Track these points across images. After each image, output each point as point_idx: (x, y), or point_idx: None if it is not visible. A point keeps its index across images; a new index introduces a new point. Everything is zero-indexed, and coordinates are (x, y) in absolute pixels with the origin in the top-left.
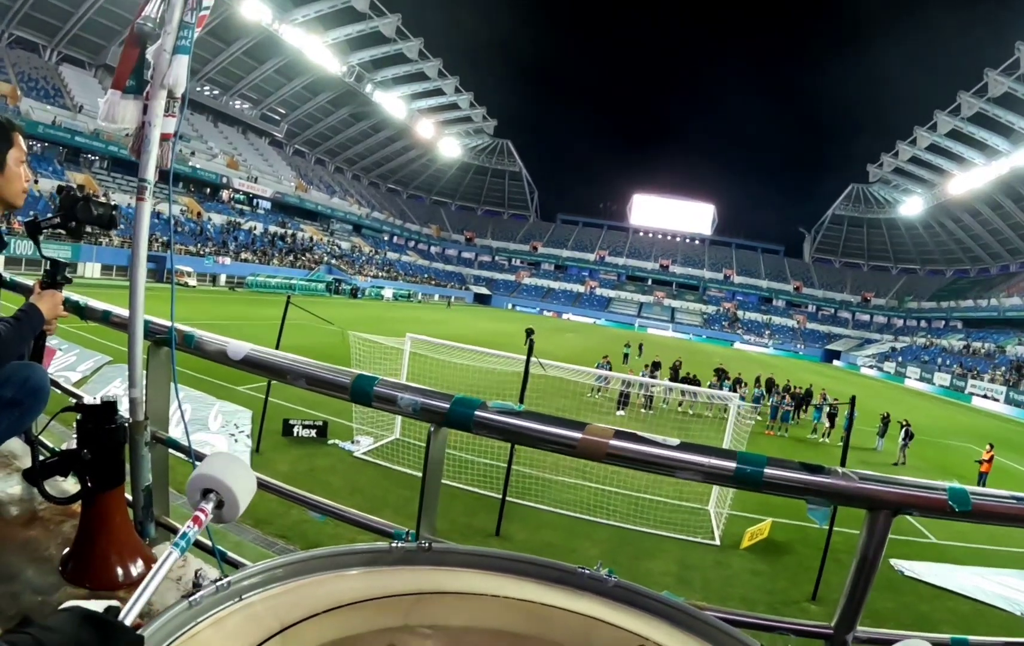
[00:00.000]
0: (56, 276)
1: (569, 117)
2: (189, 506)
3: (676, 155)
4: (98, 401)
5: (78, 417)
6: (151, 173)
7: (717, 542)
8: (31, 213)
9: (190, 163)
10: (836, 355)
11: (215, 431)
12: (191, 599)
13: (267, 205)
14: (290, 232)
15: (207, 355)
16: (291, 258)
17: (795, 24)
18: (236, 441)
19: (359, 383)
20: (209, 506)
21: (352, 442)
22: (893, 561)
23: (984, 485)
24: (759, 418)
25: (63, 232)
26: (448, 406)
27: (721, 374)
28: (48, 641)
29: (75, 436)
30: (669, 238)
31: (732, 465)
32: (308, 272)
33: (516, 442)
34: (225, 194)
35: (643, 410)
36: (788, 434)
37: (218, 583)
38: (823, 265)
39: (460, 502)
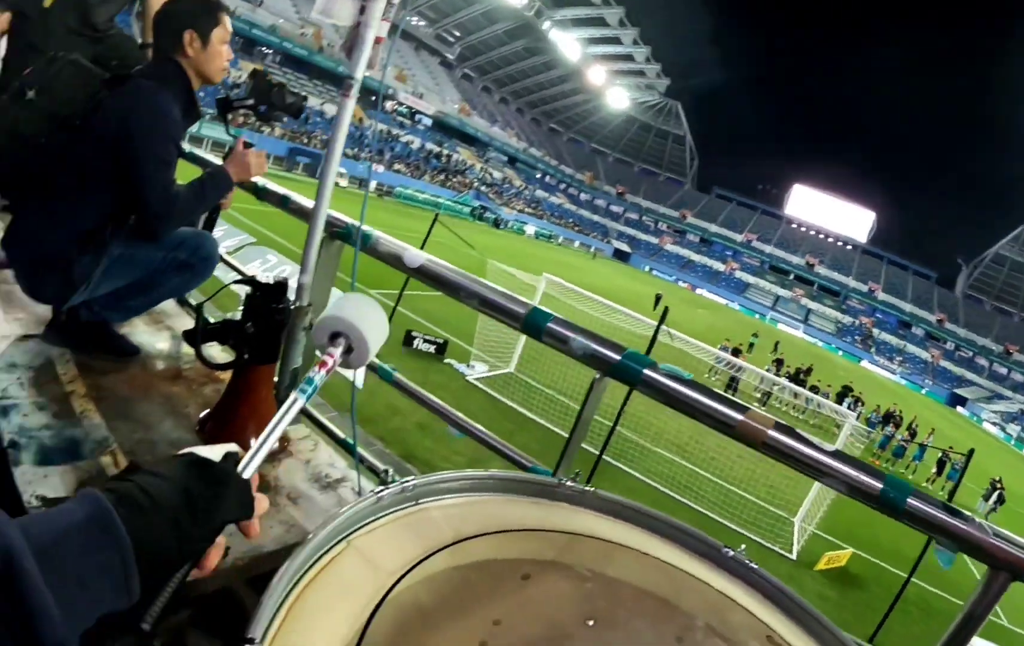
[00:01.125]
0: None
1: (744, 92)
2: (323, 407)
3: (844, 152)
4: (271, 280)
5: (248, 291)
6: (360, 71)
7: (793, 556)
8: (225, 94)
9: (377, 74)
10: (962, 401)
11: None
12: (379, 494)
13: (428, 122)
14: (446, 152)
15: (382, 257)
16: (442, 177)
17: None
18: None
19: (533, 316)
20: (337, 351)
21: (468, 365)
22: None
23: None
24: (868, 442)
25: (243, 118)
26: (619, 358)
27: (847, 391)
28: (153, 488)
29: (230, 312)
30: (821, 237)
31: (879, 485)
32: (456, 194)
33: (676, 408)
34: (389, 105)
35: (756, 405)
36: (893, 468)
37: (404, 484)
38: (973, 304)
39: (557, 446)
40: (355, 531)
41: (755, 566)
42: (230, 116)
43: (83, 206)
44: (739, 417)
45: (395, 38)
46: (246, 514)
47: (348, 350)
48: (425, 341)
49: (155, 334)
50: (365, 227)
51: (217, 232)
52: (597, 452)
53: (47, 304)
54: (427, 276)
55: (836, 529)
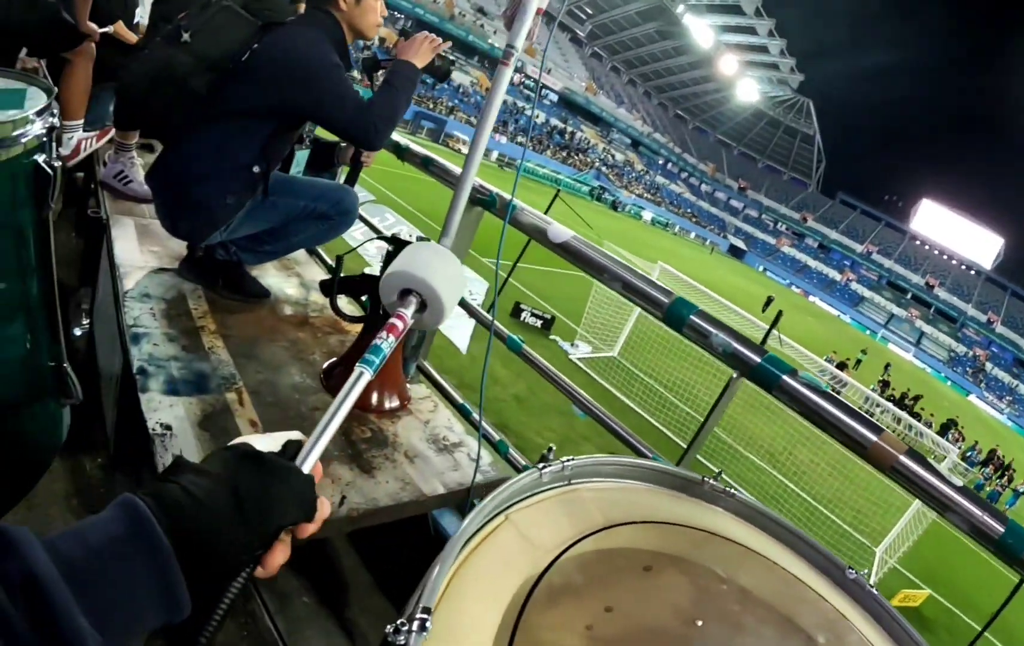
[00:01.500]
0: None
1: (881, 98)
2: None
3: (979, 170)
4: (414, 239)
5: (389, 248)
6: (521, 41)
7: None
8: (372, 54)
9: (489, 41)
10: None
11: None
12: (543, 471)
13: (554, 97)
14: (569, 129)
15: (525, 229)
16: (564, 154)
17: None
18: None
19: (676, 307)
20: (409, 310)
21: (572, 344)
22: None
23: None
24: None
25: (360, 75)
26: (759, 360)
27: (951, 425)
28: (198, 490)
29: (364, 270)
30: (944, 257)
31: (1001, 528)
32: (576, 172)
33: (810, 420)
34: (516, 77)
35: None
36: None
37: (565, 462)
38: None
39: (650, 436)
40: (514, 505)
41: (875, 592)
42: (377, 75)
43: (232, 149)
44: (873, 438)
45: (553, 27)
46: (306, 516)
47: (421, 308)
48: (533, 315)
49: (286, 280)
50: (508, 196)
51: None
52: (683, 444)
53: (187, 241)
54: (570, 253)
55: (917, 567)
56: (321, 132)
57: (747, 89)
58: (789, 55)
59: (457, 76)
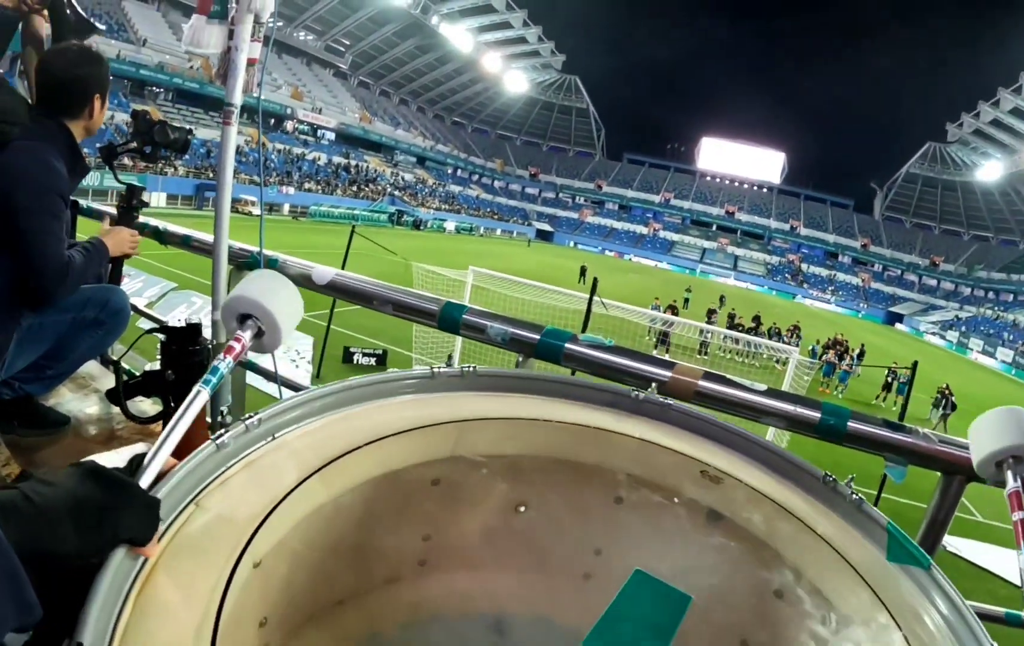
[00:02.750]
0: (132, 201)
1: (640, 55)
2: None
3: (748, 99)
4: (183, 323)
5: (162, 339)
6: (237, 97)
7: None
8: (107, 141)
9: (254, 95)
10: (899, 318)
11: (277, 356)
12: (218, 441)
13: (331, 136)
14: (354, 163)
15: (292, 279)
16: (354, 189)
17: None
18: (297, 366)
19: (448, 310)
20: (247, 334)
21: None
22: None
23: None
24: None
25: (130, 160)
26: (539, 337)
27: (795, 330)
28: (40, 497)
29: (151, 361)
30: (736, 184)
31: (817, 415)
32: (371, 203)
33: (604, 376)
34: (289, 125)
35: (699, 354)
36: (843, 395)
37: (247, 421)
38: (893, 224)
39: None
40: (203, 491)
41: (672, 401)
42: (116, 161)
43: None
44: (668, 374)
45: (267, 54)
46: (144, 531)
47: (259, 333)
48: (364, 354)
49: (83, 399)
50: (270, 252)
51: (137, 283)
52: None
53: None
54: (339, 290)
55: (802, 450)
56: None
57: (515, 80)
58: (547, 39)
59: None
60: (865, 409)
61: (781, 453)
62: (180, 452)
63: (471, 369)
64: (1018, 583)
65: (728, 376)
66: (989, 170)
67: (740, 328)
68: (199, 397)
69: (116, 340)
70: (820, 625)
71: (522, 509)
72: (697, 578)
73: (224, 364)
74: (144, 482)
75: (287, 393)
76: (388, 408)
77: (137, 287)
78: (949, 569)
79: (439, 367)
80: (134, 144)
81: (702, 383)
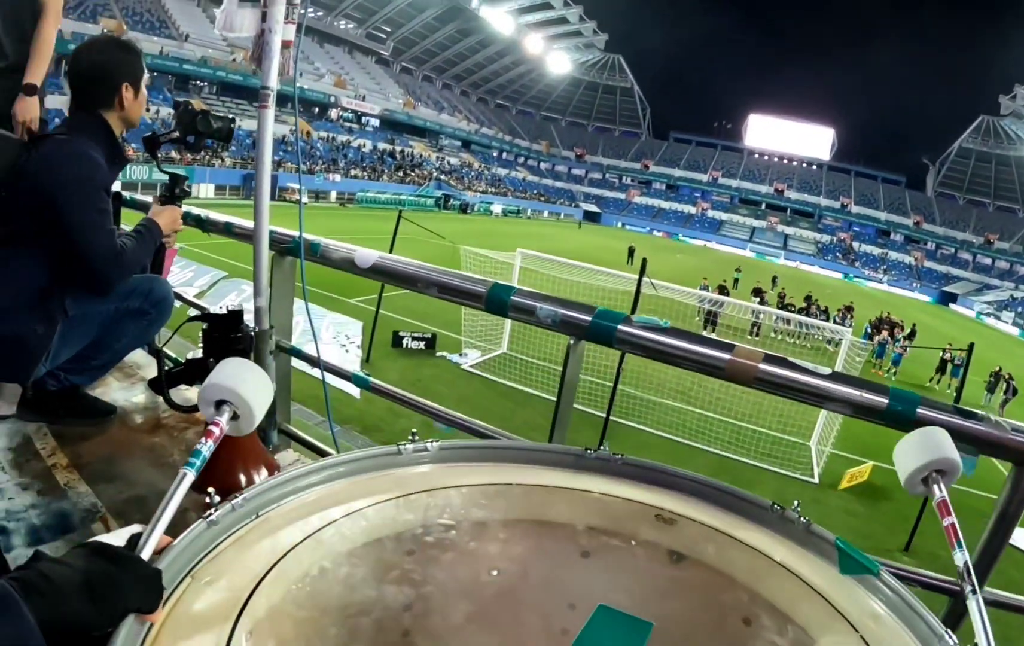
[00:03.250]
0: (175, 189)
1: (684, 31)
2: (307, 416)
3: (795, 74)
4: (224, 310)
5: (204, 327)
6: (273, 80)
7: (815, 480)
8: (150, 131)
9: (299, 85)
10: (953, 298)
11: (326, 341)
12: (209, 519)
13: (376, 122)
14: (399, 148)
15: (333, 264)
16: (400, 174)
17: None
18: (347, 351)
19: (495, 292)
20: (223, 418)
21: (460, 354)
22: None
23: None
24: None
25: (178, 153)
26: (590, 319)
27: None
28: (56, 575)
29: (199, 347)
30: (785, 162)
31: (884, 401)
32: (417, 188)
33: (659, 360)
34: (333, 113)
35: (750, 335)
36: (896, 376)
37: (234, 501)
38: (946, 200)
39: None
40: (198, 564)
41: (624, 457)
42: (159, 151)
43: (25, 275)
44: (726, 356)
45: (300, 36)
46: (150, 601)
47: (234, 416)
48: (414, 339)
49: (129, 388)
50: (311, 237)
51: (188, 272)
52: (603, 416)
53: (10, 382)
54: (382, 273)
55: (853, 445)
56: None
57: (558, 62)
58: (588, 19)
59: (277, 128)
60: (919, 392)
61: (729, 490)
62: (230, 459)
63: (435, 444)
64: None
65: (790, 359)
66: None
67: (791, 308)
68: (184, 479)
69: (161, 328)
70: (787, 643)
71: (495, 573)
72: (664, 613)
73: (206, 447)
74: (144, 554)
75: (274, 478)
76: (361, 483)
77: (188, 277)
78: (1006, 562)
79: (404, 444)
80: (177, 134)
81: (763, 366)
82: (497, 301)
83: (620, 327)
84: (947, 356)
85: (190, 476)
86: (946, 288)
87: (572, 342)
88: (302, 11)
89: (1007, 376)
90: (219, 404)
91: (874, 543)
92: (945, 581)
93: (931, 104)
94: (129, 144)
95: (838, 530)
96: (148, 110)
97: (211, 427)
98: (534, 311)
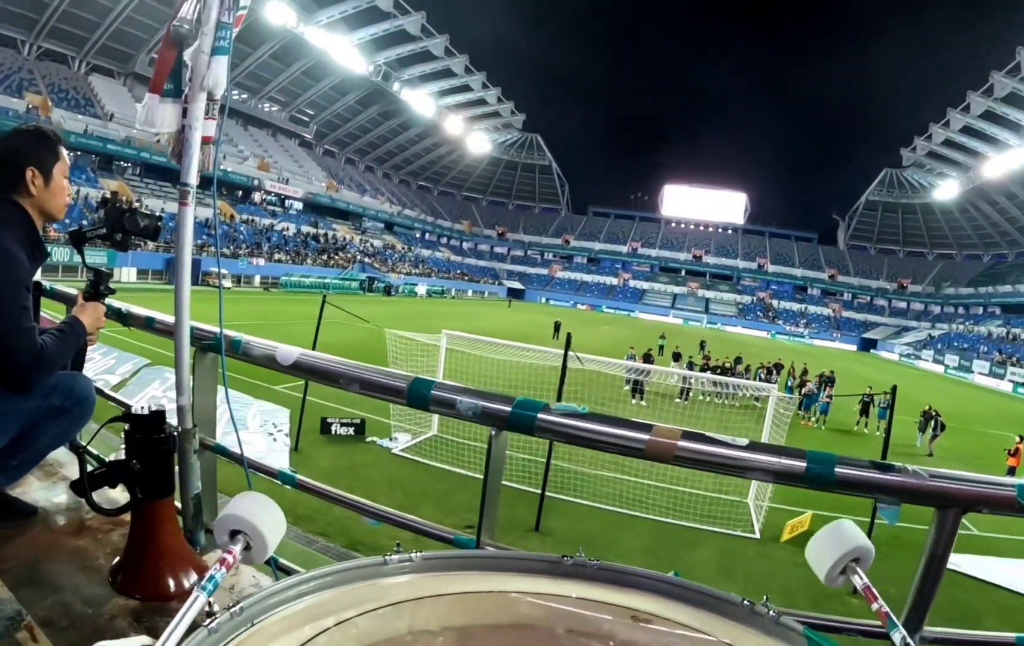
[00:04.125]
0: (99, 286)
1: (597, 109)
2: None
3: (706, 144)
4: (146, 410)
5: (126, 427)
6: (193, 177)
7: (757, 535)
8: (76, 223)
9: (221, 167)
10: (873, 344)
11: (253, 431)
12: (209, 627)
13: (299, 206)
14: (323, 232)
15: (255, 360)
16: (324, 257)
17: (824, 6)
18: (275, 440)
19: (416, 387)
20: (237, 548)
21: (390, 439)
22: None
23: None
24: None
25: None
26: (510, 409)
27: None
28: None
29: (123, 444)
30: (702, 228)
31: (802, 465)
32: (342, 271)
33: (580, 445)
34: (257, 196)
35: (678, 400)
36: (825, 426)
37: (232, 610)
38: (858, 252)
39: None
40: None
41: (600, 562)
42: (84, 246)
43: None
44: (645, 437)
45: (220, 130)
46: None
47: (247, 547)
48: (343, 425)
49: (51, 488)
50: (232, 333)
51: (110, 359)
52: (538, 493)
53: None
54: (304, 370)
55: (790, 496)
56: None
57: (478, 142)
58: (506, 99)
59: (202, 211)
60: (845, 438)
61: (700, 588)
62: (156, 560)
63: (419, 555)
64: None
65: (708, 434)
66: (946, 189)
67: (718, 370)
68: (197, 600)
69: (82, 427)
70: None
71: None
72: None
73: (220, 574)
74: None
75: (271, 586)
76: (349, 592)
77: (110, 364)
78: (951, 586)
79: (390, 555)
80: (104, 230)
81: (682, 443)
82: (418, 395)
83: (540, 416)
84: (867, 398)
85: (201, 598)
86: (866, 335)
87: (494, 433)
88: (225, 97)
89: (934, 413)
90: (233, 534)
91: (823, 590)
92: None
93: (836, 162)
94: (51, 227)
95: (786, 581)
96: (72, 195)
97: (225, 556)
98: (455, 404)
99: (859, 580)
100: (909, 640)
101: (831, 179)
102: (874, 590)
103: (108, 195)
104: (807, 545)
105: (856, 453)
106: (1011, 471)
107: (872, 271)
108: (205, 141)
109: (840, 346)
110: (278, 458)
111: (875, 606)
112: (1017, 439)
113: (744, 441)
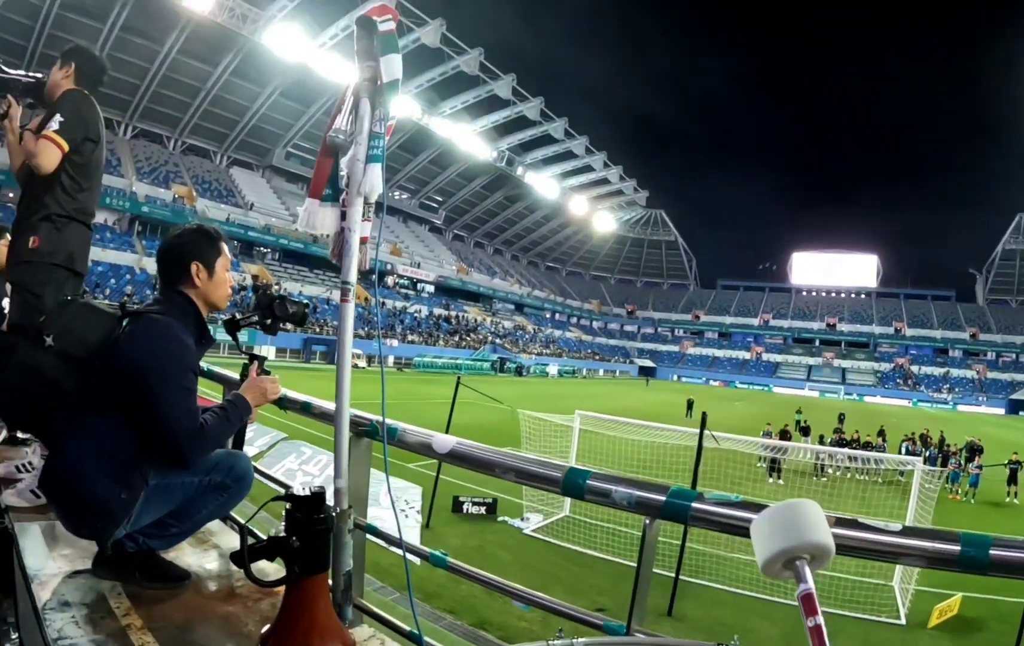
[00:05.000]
0: (260, 370)
1: (722, 181)
2: (382, 590)
3: (832, 207)
4: (307, 491)
5: (287, 506)
6: (353, 275)
7: (903, 621)
8: (231, 313)
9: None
10: (1022, 405)
11: (386, 507)
12: None
13: (430, 288)
14: (454, 313)
15: (411, 448)
16: (456, 338)
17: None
18: (407, 517)
19: (571, 477)
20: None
21: (522, 519)
22: None
23: None
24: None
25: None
26: (664, 499)
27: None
28: None
29: (281, 522)
30: (833, 295)
31: (956, 548)
32: (473, 351)
33: (734, 534)
34: (390, 280)
35: (815, 477)
36: (975, 499)
37: None
38: (999, 306)
39: (629, 577)
40: None
41: None
42: (239, 332)
43: (113, 442)
44: None
45: (380, 234)
46: None
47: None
48: (474, 503)
49: (203, 555)
50: (390, 421)
51: (248, 432)
52: (671, 575)
53: (90, 540)
54: (460, 458)
55: (938, 578)
56: None
57: (603, 221)
58: (628, 177)
59: (335, 295)
60: (996, 511)
61: None
62: (307, 633)
63: (580, 641)
64: None
65: (860, 519)
66: None
67: (855, 444)
68: None
69: (238, 503)
70: None
71: None
72: None
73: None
74: None
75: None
76: None
77: (249, 435)
78: None
79: (552, 641)
80: (255, 318)
81: (835, 530)
82: (573, 485)
83: (694, 504)
84: (1014, 465)
85: None
86: (1013, 395)
87: (648, 522)
88: (378, 204)
89: None
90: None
91: None
92: None
93: (968, 214)
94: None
95: None
96: (234, 285)
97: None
98: (610, 493)
99: (803, 584)
100: None
101: (965, 232)
102: (815, 601)
103: (250, 280)
104: (753, 521)
105: (1009, 529)
106: None
107: (1016, 326)
108: (362, 241)
109: (986, 411)
110: (408, 535)
111: (810, 622)
112: None
113: (897, 526)
